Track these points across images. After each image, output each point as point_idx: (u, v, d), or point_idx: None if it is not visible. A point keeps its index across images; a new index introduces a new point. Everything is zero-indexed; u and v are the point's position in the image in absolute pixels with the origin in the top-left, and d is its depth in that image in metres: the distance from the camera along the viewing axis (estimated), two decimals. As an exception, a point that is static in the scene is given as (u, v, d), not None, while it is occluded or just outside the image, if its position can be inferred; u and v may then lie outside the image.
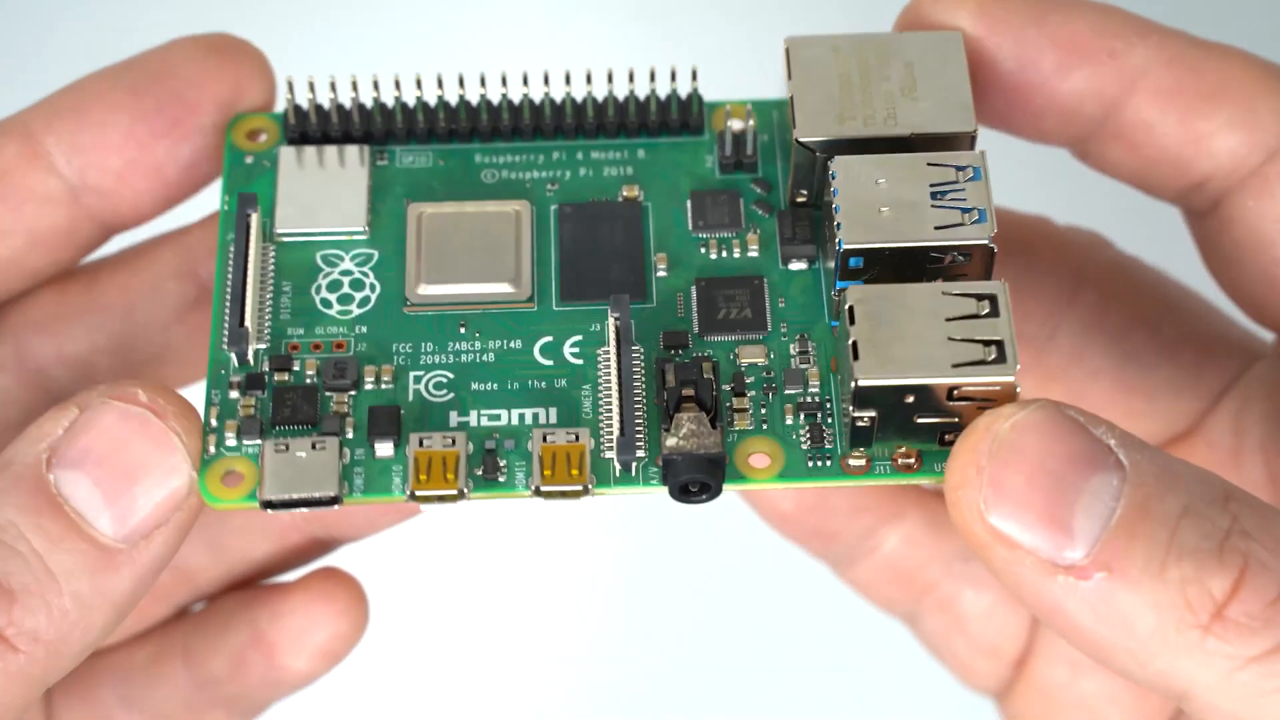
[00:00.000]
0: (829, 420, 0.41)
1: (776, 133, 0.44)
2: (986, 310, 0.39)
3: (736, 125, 0.44)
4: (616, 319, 0.41)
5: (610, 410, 0.40)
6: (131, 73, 0.44)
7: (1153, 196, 0.43)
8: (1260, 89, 0.42)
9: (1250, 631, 0.35)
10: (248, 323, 0.41)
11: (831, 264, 0.41)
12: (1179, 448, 0.46)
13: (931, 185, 0.40)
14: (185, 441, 0.39)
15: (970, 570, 0.46)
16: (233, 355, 0.41)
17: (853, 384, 0.38)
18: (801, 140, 0.41)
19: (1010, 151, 0.44)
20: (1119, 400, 0.45)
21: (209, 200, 0.44)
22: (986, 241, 0.40)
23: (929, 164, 0.40)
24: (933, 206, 0.40)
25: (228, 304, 0.41)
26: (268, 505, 0.39)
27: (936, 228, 0.40)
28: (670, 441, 0.39)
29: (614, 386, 0.40)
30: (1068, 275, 0.45)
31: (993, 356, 0.38)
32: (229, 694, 0.46)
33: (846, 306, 0.39)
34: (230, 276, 0.41)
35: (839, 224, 0.40)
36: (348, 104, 0.44)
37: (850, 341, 0.38)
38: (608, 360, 0.41)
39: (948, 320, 0.39)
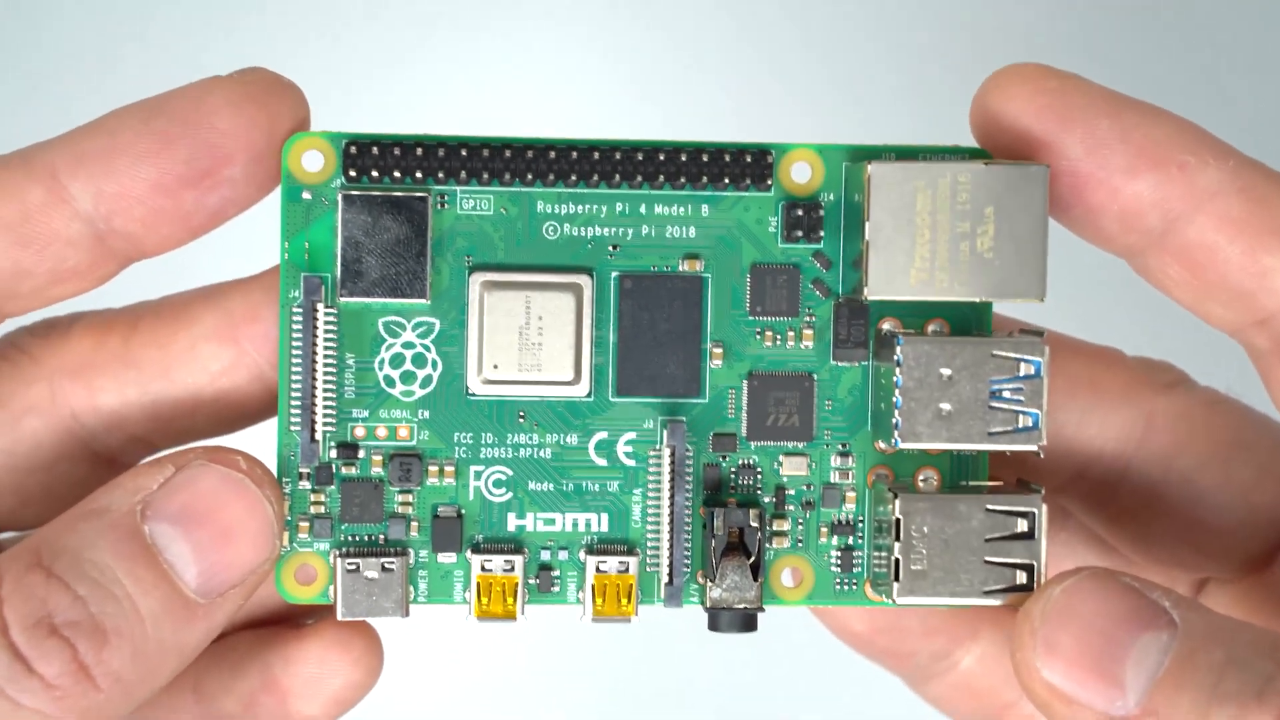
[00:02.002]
0: (859, 541, 0.44)
1: (843, 192, 0.44)
2: (1024, 528, 0.41)
3: (803, 176, 0.43)
4: (672, 448, 0.42)
5: (658, 538, 0.43)
6: (161, 118, 0.42)
7: (1214, 326, 0.43)
8: None
9: None
10: (318, 435, 0.42)
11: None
12: (1252, 582, 0.47)
13: (993, 382, 0.41)
14: (275, 511, 0.42)
15: None
16: (302, 440, 0.42)
17: (892, 602, 0.41)
18: (871, 299, 0.41)
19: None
20: (1190, 540, 0.46)
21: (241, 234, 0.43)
22: (1035, 449, 0.41)
23: (993, 354, 0.41)
24: (990, 406, 0.41)
25: (296, 411, 0.42)
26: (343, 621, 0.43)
27: (990, 433, 0.41)
28: (714, 594, 0.43)
29: (664, 529, 0.42)
30: (1139, 412, 0.45)
31: (1022, 581, 0.41)
32: None
33: (894, 518, 0.41)
34: (299, 375, 0.42)
35: (897, 422, 0.41)
36: (410, 137, 0.42)
37: (894, 559, 0.41)
38: (658, 469, 0.43)
39: (987, 541, 0.41)
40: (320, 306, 0.42)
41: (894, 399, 0.41)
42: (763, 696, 0.70)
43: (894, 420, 0.41)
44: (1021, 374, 0.41)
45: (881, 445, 0.43)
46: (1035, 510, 0.41)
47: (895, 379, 0.41)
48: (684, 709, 0.70)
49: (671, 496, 0.43)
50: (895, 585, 0.41)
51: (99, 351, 0.45)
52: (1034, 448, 0.41)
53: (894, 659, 0.47)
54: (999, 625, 0.47)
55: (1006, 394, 0.41)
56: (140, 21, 0.63)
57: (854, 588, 0.44)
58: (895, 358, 0.41)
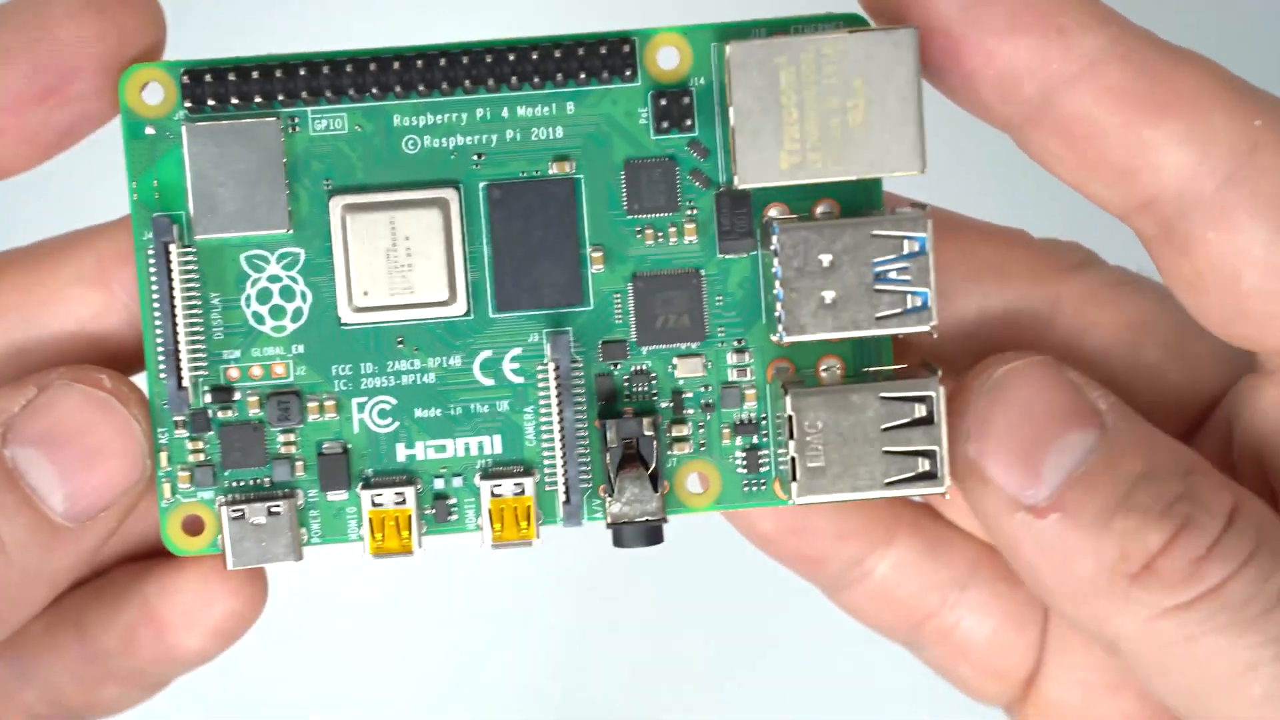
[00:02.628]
0: (764, 440, 0.42)
1: (714, 75, 0.41)
2: (923, 414, 0.39)
3: (670, 63, 0.41)
4: (556, 362, 0.41)
5: (553, 457, 0.41)
6: (3, 32, 0.40)
7: (1101, 208, 0.41)
8: (1219, 103, 0.39)
9: (1172, 584, 0.39)
10: (185, 381, 0.40)
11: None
12: None
13: (877, 264, 0.39)
14: (144, 429, 0.41)
15: (969, 597, 0.46)
16: (172, 412, 0.41)
17: (790, 502, 0.39)
18: (741, 187, 0.39)
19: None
20: None
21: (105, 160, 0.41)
22: (927, 329, 0.39)
23: (874, 234, 0.39)
24: (875, 289, 0.39)
25: (160, 357, 0.40)
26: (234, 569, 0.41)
27: (879, 318, 0.39)
28: (614, 508, 0.41)
29: (556, 442, 0.41)
30: (1045, 295, 0.43)
31: (925, 468, 0.39)
32: (123, 668, 0.45)
33: (788, 415, 0.39)
34: (159, 320, 0.40)
35: (780, 315, 0.39)
36: (251, 60, 0.40)
37: (790, 456, 0.39)
38: (546, 386, 0.41)
39: (884, 430, 0.39)
40: (174, 247, 0.40)
41: (774, 291, 0.39)
42: (677, 609, 0.68)
43: (777, 314, 0.39)
44: (906, 252, 0.39)
45: (775, 339, 0.41)
46: (933, 394, 0.39)
47: (774, 270, 0.39)
48: (602, 633, 0.69)
49: (560, 412, 0.41)
50: (794, 485, 0.39)
51: None
52: (926, 328, 0.39)
53: (806, 565, 0.45)
54: (916, 529, 0.46)
55: (892, 274, 0.39)
56: None
57: (763, 488, 0.42)
58: (773, 246, 0.39)
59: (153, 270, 0.40)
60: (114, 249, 0.42)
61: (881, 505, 0.45)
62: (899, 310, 0.39)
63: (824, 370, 0.41)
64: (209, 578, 0.43)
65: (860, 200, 0.41)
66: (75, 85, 0.40)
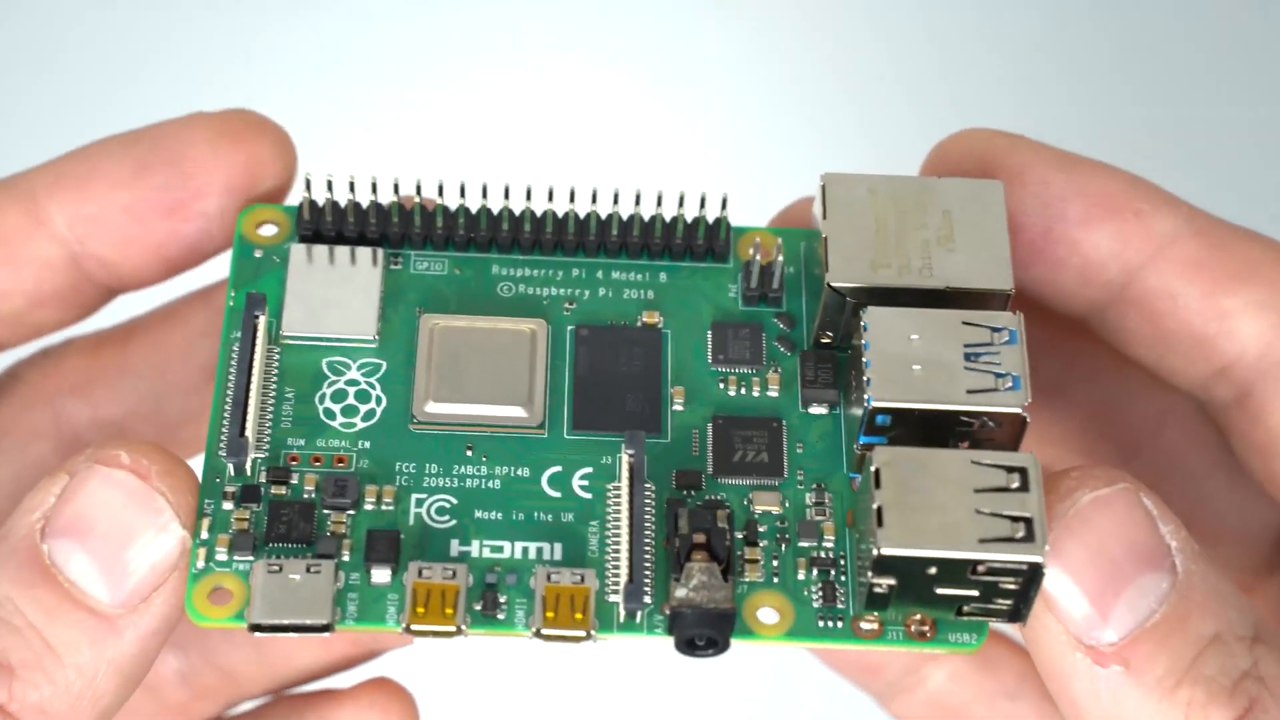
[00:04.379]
0: (843, 578, 0.39)
1: (803, 265, 0.43)
2: (1016, 484, 0.37)
3: (763, 256, 0.43)
4: (631, 456, 0.39)
5: (618, 552, 0.39)
6: (140, 147, 0.43)
7: (1173, 383, 0.42)
8: None
9: None
10: (248, 432, 0.39)
11: (855, 411, 0.40)
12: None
13: (966, 346, 0.39)
14: (172, 500, 0.38)
15: (1016, 709, 0.45)
16: (229, 465, 0.39)
17: (875, 552, 0.37)
18: (834, 285, 0.40)
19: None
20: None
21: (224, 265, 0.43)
22: (1019, 411, 0.39)
23: (964, 323, 0.39)
24: (966, 368, 0.39)
25: (227, 410, 0.40)
26: (256, 629, 0.38)
27: (969, 391, 0.39)
28: (680, 593, 0.38)
29: (624, 528, 0.39)
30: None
31: (1021, 534, 0.37)
32: None
33: (873, 469, 0.37)
34: (233, 381, 0.40)
35: (869, 379, 0.38)
36: (364, 203, 0.42)
37: (875, 506, 0.37)
38: (618, 497, 0.40)
39: (976, 492, 0.37)
40: (261, 321, 0.40)
41: (863, 360, 0.39)
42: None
43: (865, 379, 0.38)
44: (996, 341, 0.39)
45: (858, 484, 0.39)
46: (1028, 465, 0.37)
47: (863, 343, 0.39)
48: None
49: (631, 500, 0.39)
50: (879, 532, 0.36)
51: (95, 366, 0.44)
52: (1018, 409, 0.38)
53: (863, 673, 0.43)
54: None
55: (983, 356, 0.39)
56: (136, 68, 0.64)
57: (839, 624, 0.39)
58: (862, 325, 0.39)
59: (234, 355, 0.40)
60: None
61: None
62: (990, 388, 0.38)
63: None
64: (368, 712, 0.44)
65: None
66: (201, 204, 0.42)
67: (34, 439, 0.44)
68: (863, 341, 0.39)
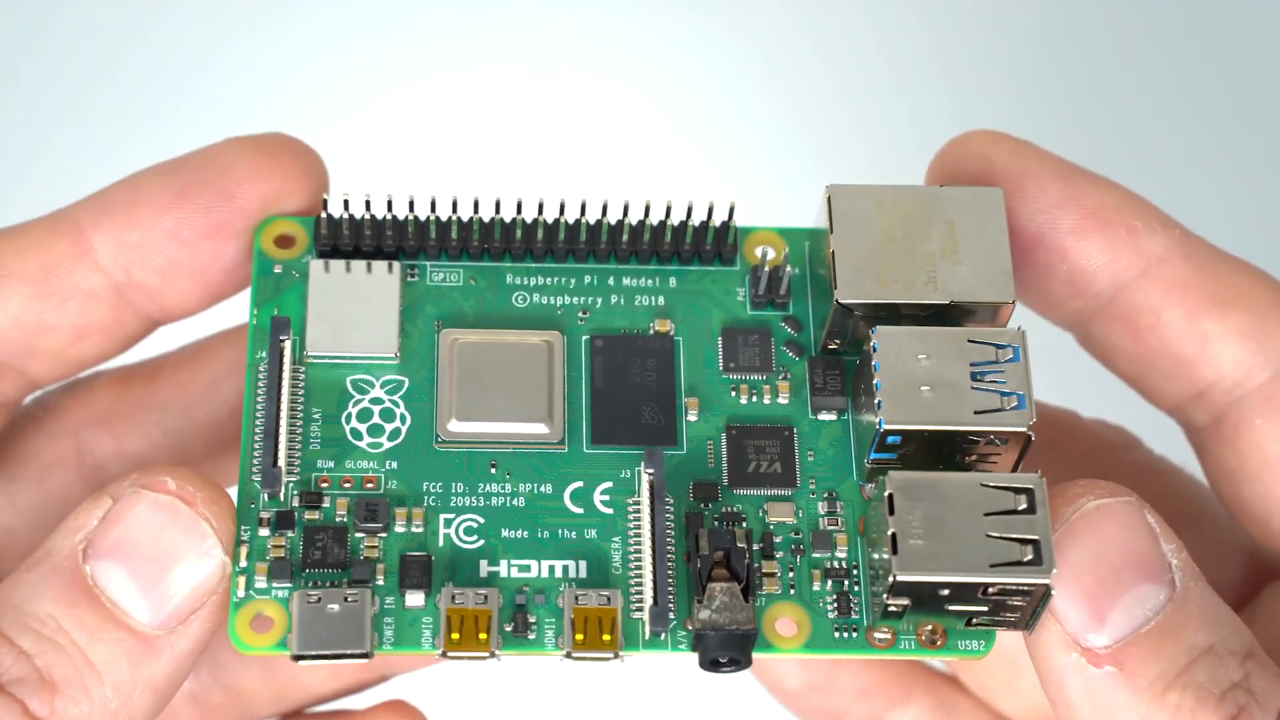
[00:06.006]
0: (856, 588, 0.41)
1: (808, 266, 0.44)
2: (1024, 506, 0.39)
3: (769, 255, 0.44)
4: (651, 475, 0.41)
5: (641, 571, 0.40)
6: (181, 172, 0.43)
7: (1152, 402, 0.43)
8: (1274, 305, 0.42)
9: None
10: (280, 461, 0.40)
11: (864, 417, 0.41)
12: None
13: (972, 365, 0.40)
14: (215, 526, 0.40)
15: None
16: (264, 493, 0.41)
17: (891, 578, 0.39)
18: (842, 302, 0.41)
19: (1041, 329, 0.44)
20: None
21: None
22: (1025, 429, 0.40)
23: (969, 340, 0.41)
24: (973, 388, 0.40)
25: (258, 439, 0.41)
26: (299, 659, 0.39)
27: (976, 412, 0.40)
28: (703, 615, 0.40)
29: (646, 550, 0.40)
30: (1095, 474, 0.45)
31: (1029, 557, 0.39)
32: None
33: (886, 494, 0.39)
34: (262, 409, 0.41)
35: (879, 402, 0.40)
36: (380, 216, 0.43)
37: (890, 533, 0.39)
38: (637, 513, 0.41)
39: (986, 516, 0.39)
40: (286, 345, 0.41)
41: (874, 382, 0.40)
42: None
43: (876, 401, 0.40)
44: (1001, 359, 0.40)
45: (868, 491, 0.41)
46: (1034, 486, 0.39)
47: (873, 364, 0.40)
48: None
49: (653, 520, 0.40)
50: (894, 559, 0.38)
51: (122, 400, 0.45)
52: (1023, 428, 0.40)
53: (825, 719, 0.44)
54: (931, 692, 0.45)
55: (989, 375, 0.40)
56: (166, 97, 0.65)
57: (854, 635, 0.41)
58: (871, 345, 0.40)
59: (263, 377, 0.41)
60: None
61: (901, 665, 0.45)
62: (996, 408, 0.40)
63: None
64: None
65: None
66: (244, 223, 0.43)
67: (57, 468, 0.45)
68: (873, 363, 0.40)
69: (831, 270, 0.41)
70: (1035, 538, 0.39)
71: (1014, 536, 0.39)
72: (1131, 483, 0.44)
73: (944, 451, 0.41)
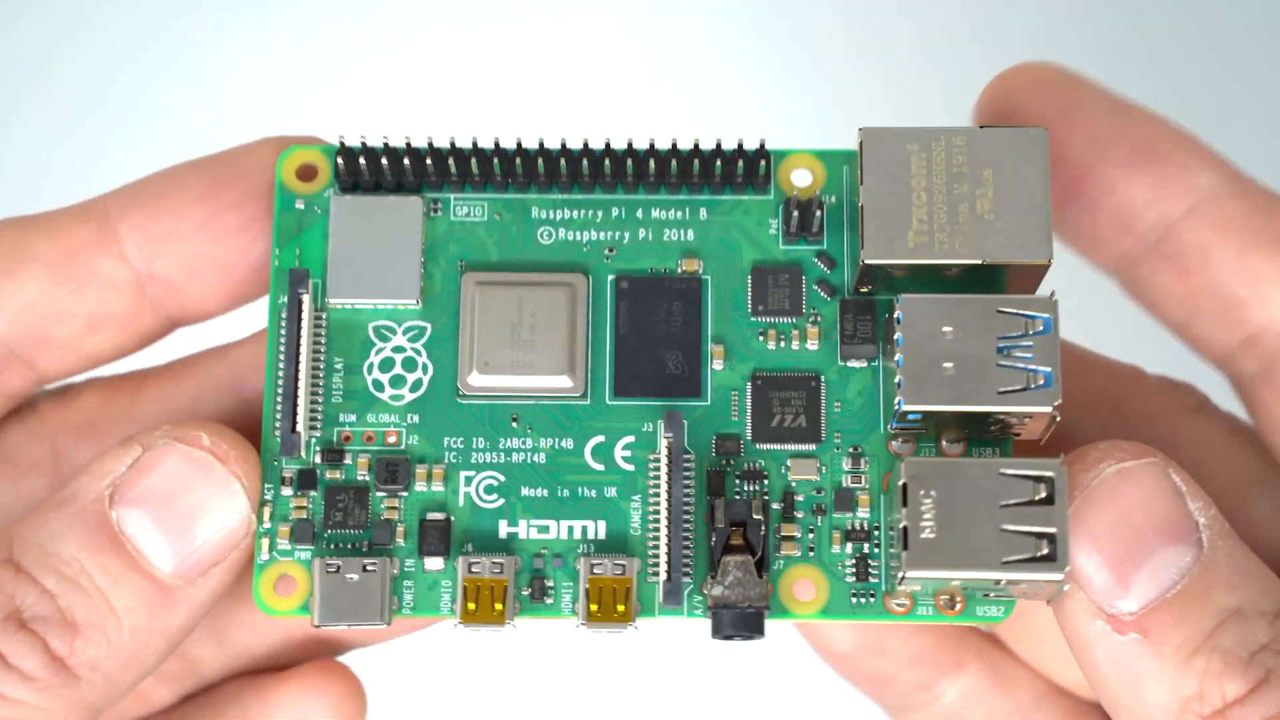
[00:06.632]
0: (875, 550, 0.41)
1: (845, 194, 0.42)
2: (1043, 495, 0.38)
3: (803, 181, 0.42)
4: (669, 439, 0.40)
5: (658, 539, 0.40)
6: (215, 166, 0.43)
7: (1200, 351, 0.41)
8: None
9: None
10: (300, 426, 0.40)
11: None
12: None
13: (999, 339, 0.39)
14: (246, 485, 0.41)
15: None
16: (283, 435, 0.41)
17: (900, 574, 0.38)
18: (870, 263, 0.40)
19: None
20: None
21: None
22: (1049, 410, 0.39)
23: (999, 310, 0.39)
24: (998, 364, 0.39)
25: (279, 400, 0.41)
26: (319, 627, 0.40)
27: (1000, 392, 0.39)
28: (716, 591, 0.40)
29: (663, 521, 0.40)
30: (1160, 437, 0.43)
31: (1044, 552, 0.38)
32: None
33: (900, 483, 0.38)
34: (283, 368, 0.41)
35: (900, 381, 0.39)
36: (401, 148, 0.42)
37: (901, 526, 0.38)
38: (657, 474, 0.41)
39: (1002, 507, 0.38)
40: (306, 299, 0.41)
41: (896, 359, 0.39)
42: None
43: (897, 380, 0.39)
44: (1030, 331, 0.39)
45: (894, 447, 0.40)
46: (1054, 474, 0.38)
47: (895, 338, 0.39)
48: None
49: (669, 489, 0.40)
50: (904, 555, 0.38)
51: (105, 410, 0.45)
52: (1048, 408, 0.39)
53: (876, 684, 0.45)
54: (985, 658, 0.45)
55: (1016, 352, 0.39)
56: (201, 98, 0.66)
57: (872, 600, 0.41)
58: (895, 317, 0.39)
59: (283, 330, 0.41)
60: (252, 358, 0.44)
61: (954, 631, 0.44)
62: (1021, 387, 0.39)
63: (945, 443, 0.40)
64: (310, 693, 0.44)
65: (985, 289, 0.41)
66: (269, 220, 0.43)
67: (31, 471, 0.45)
68: (896, 337, 0.39)
69: (860, 226, 0.40)
70: (1052, 531, 0.38)
71: (1030, 530, 0.38)
72: (1202, 448, 0.42)
73: (966, 426, 0.40)
